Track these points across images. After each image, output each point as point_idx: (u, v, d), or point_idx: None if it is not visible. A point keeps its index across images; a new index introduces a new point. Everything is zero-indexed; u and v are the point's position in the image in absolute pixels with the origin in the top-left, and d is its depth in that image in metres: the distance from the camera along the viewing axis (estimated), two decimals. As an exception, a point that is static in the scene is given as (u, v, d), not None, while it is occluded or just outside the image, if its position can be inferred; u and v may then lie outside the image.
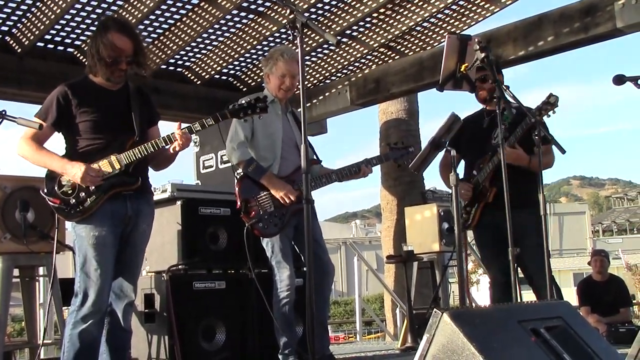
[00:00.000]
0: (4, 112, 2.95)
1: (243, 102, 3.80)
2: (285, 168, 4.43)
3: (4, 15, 6.15)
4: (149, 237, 3.94)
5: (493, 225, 4.14)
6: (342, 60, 7.73)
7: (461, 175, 4.88)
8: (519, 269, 4.52)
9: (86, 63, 3.84)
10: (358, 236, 39.64)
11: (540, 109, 4.37)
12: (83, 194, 3.61)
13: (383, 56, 7.72)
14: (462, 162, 4.93)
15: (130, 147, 3.67)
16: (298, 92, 6.07)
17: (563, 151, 4.47)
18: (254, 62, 7.74)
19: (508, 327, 2.72)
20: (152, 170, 4.00)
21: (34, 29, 6.28)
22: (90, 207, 3.61)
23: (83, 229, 3.63)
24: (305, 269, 4.67)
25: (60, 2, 5.92)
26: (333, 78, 8.08)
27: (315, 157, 4.60)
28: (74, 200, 3.62)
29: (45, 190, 3.68)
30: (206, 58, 7.51)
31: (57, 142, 3.82)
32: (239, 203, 4.36)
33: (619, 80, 4.05)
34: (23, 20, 6.26)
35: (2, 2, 5.93)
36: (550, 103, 4.36)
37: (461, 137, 4.75)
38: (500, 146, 3.94)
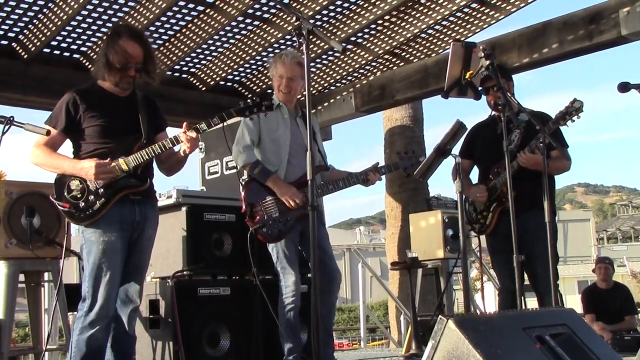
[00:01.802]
0: (11, 119, 2.97)
1: (248, 100, 3.81)
2: (292, 174, 4.43)
3: (11, 22, 6.20)
4: (154, 243, 3.95)
5: (508, 232, 4.14)
6: (347, 67, 7.75)
7: (475, 182, 4.89)
8: (525, 275, 4.52)
9: (93, 68, 3.87)
10: (362, 243, 39.60)
11: (565, 114, 4.36)
12: (92, 197, 3.63)
13: (388, 63, 7.73)
14: (476, 169, 4.94)
15: (137, 150, 3.69)
16: (303, 98, 6.09)
17: (568, 158, 4.48)
18: (259, 68, 7.77)
19: (513, 334, 2.72)
20: (165, 176, 4.02)
21: (40, 36, 6.32)
22: (99, 210, 3.63)
23: (92, 234, 3.65)
24: (310, 275, 4.69)
25: (67, 9, 5.96)
26: (338, 85, 8.10)
27: (323, 163, 4.59)
28: (83, 204, 3.63)
29: (55, 195, 3.70)
30: (211, 64, 7.54)
31: (64, 147, 3.84)
32: (244, 207, 4.37)
33: (624, 87, 4.06)
34: (30, 26, 6.30)
35: (9, 9, 5.97)
36: (575, 108, 4.34)
37: (475, 144, 4.75)
38: (506, 154, 3.94)
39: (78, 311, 3.69)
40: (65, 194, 3.67)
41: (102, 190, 3.63)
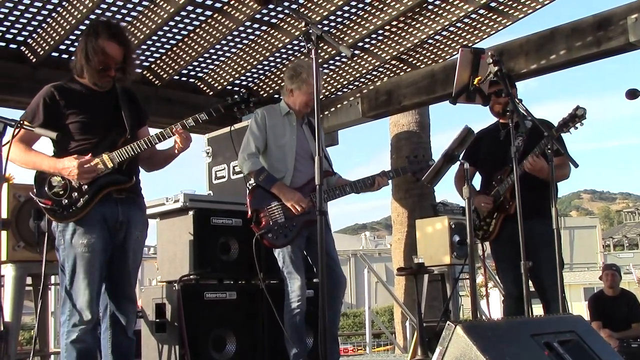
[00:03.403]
0: (22, 122, 2.95)
1: (236, 96, 3.76)
2: (299, 180, 4.43)
3: (20, 26, 6.23)
4: (144, 243, 3.86)
5: (512, 238, 4.14)
6: (354, 72, 7.76)
7: (477, 188, 4.89)
8: (530, 282, 4.51)
9: (71, 63, 3.75)
10: (367, 248, 39.57)
11: (567, 121, 4.35)
12: (75, 194, 3.51)
13: (395, 68, 7.74)
14: (478, 175, 4.93)
15: (122, 145, 3.59)
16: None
17: (576, 165, 4.47)
18: (267, 73, 7.79)
19: (521, 341, 2.72)
20: (145, 172, 3.91)
21: (49, 39, 6.35)
22: (83, 207, 3.51)
23: (71, 234, 3.52)
24: (316, 280, 4.69)
25: (76, 13, 5.99)
26: (345, 90, 8.11)
27: (330, 169, 4.60)
28: (66, 201, 3.52)
29: (35, 192, 3.57)
30: (219, 69, 7.56)
31: (45, 145, 3.72)
32: (249, 213, 4.37)
33: (632, 94, 4.05)
34: (38, 30, 6.33)
35: (18, 13, 6.00)
36: (578, 116, 4.33)
37: (478, 150, 4.75)
38: (514, 160, 3.93)
39: (61, 315, 3.59)
40: (47, 190, 3.53)
41: (86, 187, 3.52)
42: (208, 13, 6.48)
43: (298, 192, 4.35)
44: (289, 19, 6.66)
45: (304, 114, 4.61)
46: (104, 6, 6.02)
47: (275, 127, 4.49)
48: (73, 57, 3.76)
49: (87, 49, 3.57)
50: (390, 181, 4.70)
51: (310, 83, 4.40)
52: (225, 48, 7.16)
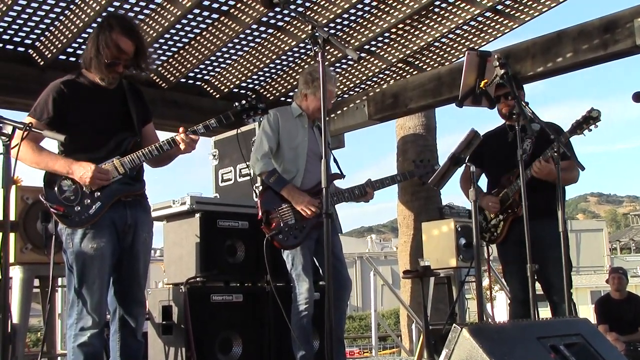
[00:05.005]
0: (30, 125, 2.95)
1: (244, 102, 3.76)
2: (309, 181, 4.46)
3: (28, 29, 6.26)
4: (151, 245, 3.83)
5: (520, 240, 4.13)
6: (360, 75, 7.77)
7: (484, 190, 4.88)
8: (537, 284, 4.50)
9: (81, 57, 3.70)
10: (373, 251, 39.55)
11: (581, 123, 4.35)
12: (88, 200, 3.47)
13: (401, 71, 7.75)
14: (484, 177, 4.93)
15: (132, 148, 3.57)
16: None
17: (582, 168, 4.46)
18: (273, 76, 7.80)
19: (527, 344, 2.72)
20: (149, 169, 3.86)
21: (56, 42, 6.38)
22: (95, 214, 3.47)
23: (81, 238, 3.48)
24: (322, 282, 4.70)
25: (83, 17, 6.01)
26: (351, 93, 8.12)
27: (338, 172, 4.61)
28: (78, 208, 3.47)
29: (46, 196, 3.49)
30: (225, 72, 7.57)
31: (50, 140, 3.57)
32: (260, 214, 4.38)
33: (639, 97, 4.04)
34: (46, 33, 6.36)
35: (26, 16, 6.03)
36: (592, 117, 4.33)
37: (484, 152, 4.75)
38: (520, 162, 3.93)
39: (68, 318, 3.56)
40: (58, 195, 3.48)
41: (98, 193, 3.48)
42: (215, 16, 6.50)
43: (307, 195, 4.36)
44: (296, 21, 6.67)
45: (315, 117, 4.63)
46: (111, 9, 6.04)
47: (289, 129, 4.53)
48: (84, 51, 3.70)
49: (98, 41, 3.52)
50: (375, 192, 4.67)
51: (326, 89, 4.43)
52: (232, 51, 7.17)
